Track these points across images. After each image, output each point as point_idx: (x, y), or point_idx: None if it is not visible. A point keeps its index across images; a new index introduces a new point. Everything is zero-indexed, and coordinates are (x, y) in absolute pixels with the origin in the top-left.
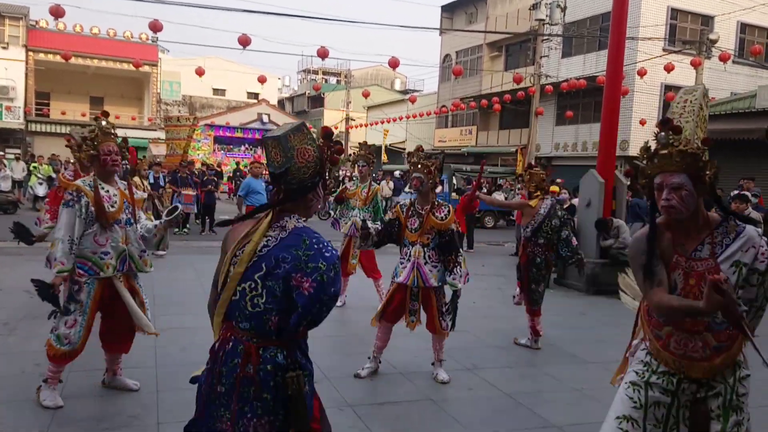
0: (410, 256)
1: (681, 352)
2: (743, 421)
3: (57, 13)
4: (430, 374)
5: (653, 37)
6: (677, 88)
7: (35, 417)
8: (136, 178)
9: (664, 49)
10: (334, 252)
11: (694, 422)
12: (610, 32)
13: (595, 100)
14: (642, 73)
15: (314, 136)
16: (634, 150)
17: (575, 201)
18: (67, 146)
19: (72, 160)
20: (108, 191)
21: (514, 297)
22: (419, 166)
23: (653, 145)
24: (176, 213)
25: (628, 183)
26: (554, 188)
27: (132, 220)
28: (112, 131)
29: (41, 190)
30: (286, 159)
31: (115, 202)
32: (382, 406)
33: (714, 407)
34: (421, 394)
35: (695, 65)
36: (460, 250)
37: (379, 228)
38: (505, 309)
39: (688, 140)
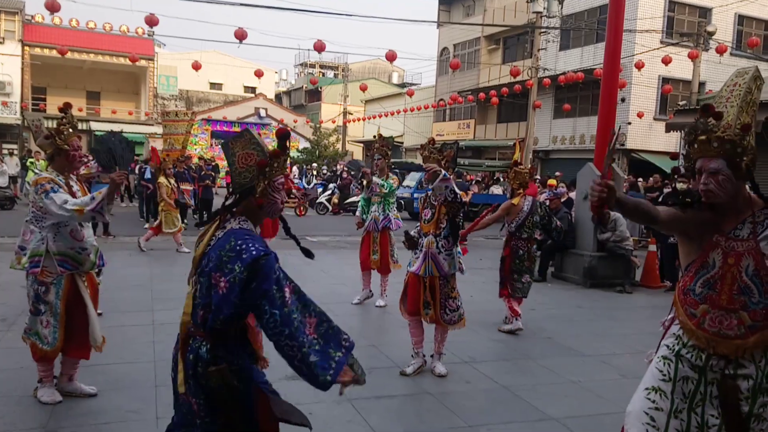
0: (422, 246)
1: (715, 330)
2: None
3: (53, 7)
4: (428, 367)
5: (651, 29)
6: (675, 81)
7: (34, 413)
8: (162, 179)
9: (661, 42)
10: (254, 254)
11: (724, 397)
12: (607, 25)
13: (593, 93)
14: (639, 66)
15: (260, 142)
16: (631, 143)
17: (573, 194)
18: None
19: None
20: (73, 186)
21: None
22: (431, 158)
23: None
24: None
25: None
26: (552, 181)
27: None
28: (78, 126)
29: None
30: (229, 164)
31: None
32: (379, 399)
33: (743, 389)
34: (419, 387)
35: (693, 58)
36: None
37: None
38: (502, 302)
39: (729, 125)
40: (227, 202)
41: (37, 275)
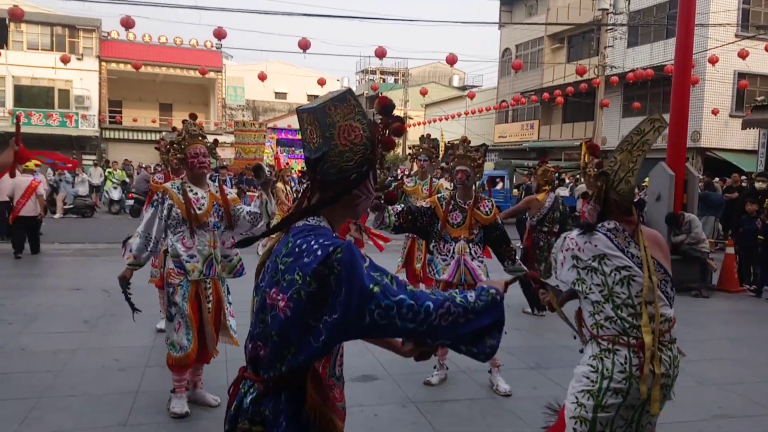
0: (453, 252)
1: None
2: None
3: (127, 24)
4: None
5: (724, 23)
6: (752, 76)
7: (113, 410)
8: (280, 184)
9: (736, 35)
10: (320, 254)
11: None
12: (677, 19)
13: (664, 90)
14: (713, 61)
15: (364, 110)
16: (706, 141)
17: (644, 195)
18: (156, 149)
19: (144, 165)
20: (196, 194)
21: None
22: (464, 158)
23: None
24: (262, 172)
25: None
26: None
27: (220, 224)
28: (200, 133)
29: (116, 194)
30: (324, 140)
31: (203, 205)
32: (444, 403)
33: None
34: (484, 392)
35: None
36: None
37: (402, 209)
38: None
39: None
40: (316, 195)
41: (168, 277)
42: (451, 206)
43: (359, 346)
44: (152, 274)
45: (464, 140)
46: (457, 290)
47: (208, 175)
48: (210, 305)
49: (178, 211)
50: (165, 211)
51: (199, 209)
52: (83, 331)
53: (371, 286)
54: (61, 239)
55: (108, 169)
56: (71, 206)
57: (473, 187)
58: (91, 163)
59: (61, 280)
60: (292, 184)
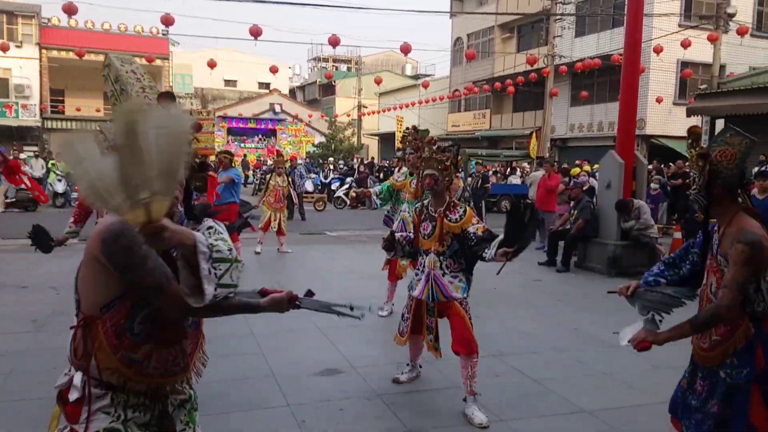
0: (424, 266)
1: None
2: None
3: (70, 10)
4: (457, 363)
5: (668, 12)
6: (694, 65)
7: None
8: (280, 178)
9: (680, 25)
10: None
11: None
12: (626, 8)
13: (610, 79)
14: (658, 50)
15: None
16: (650, 129)
17: (593, 182)
18: None
19: None
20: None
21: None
22: (431, 161)
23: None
24: None
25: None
26: (575, 170)
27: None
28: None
29: (60, 187)
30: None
31: None
32: (409, 394)
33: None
34: (448, 381)
35: (712, 40)
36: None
37: (412, 236)
38: (527, 293)
39: None
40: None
41: None
42: (423, 215)
43: (323, 341)
44: None
45: (430, 141)
46: None
47: None
48: None
49: None
50: None
51: None
52: (32, 331)
53: None
54: (3, 235)
55: (51, 161)
56: (13, 200)
57: (445, 193)
58: (32, 154)
59: (6, 278)
60: (286, 176)
